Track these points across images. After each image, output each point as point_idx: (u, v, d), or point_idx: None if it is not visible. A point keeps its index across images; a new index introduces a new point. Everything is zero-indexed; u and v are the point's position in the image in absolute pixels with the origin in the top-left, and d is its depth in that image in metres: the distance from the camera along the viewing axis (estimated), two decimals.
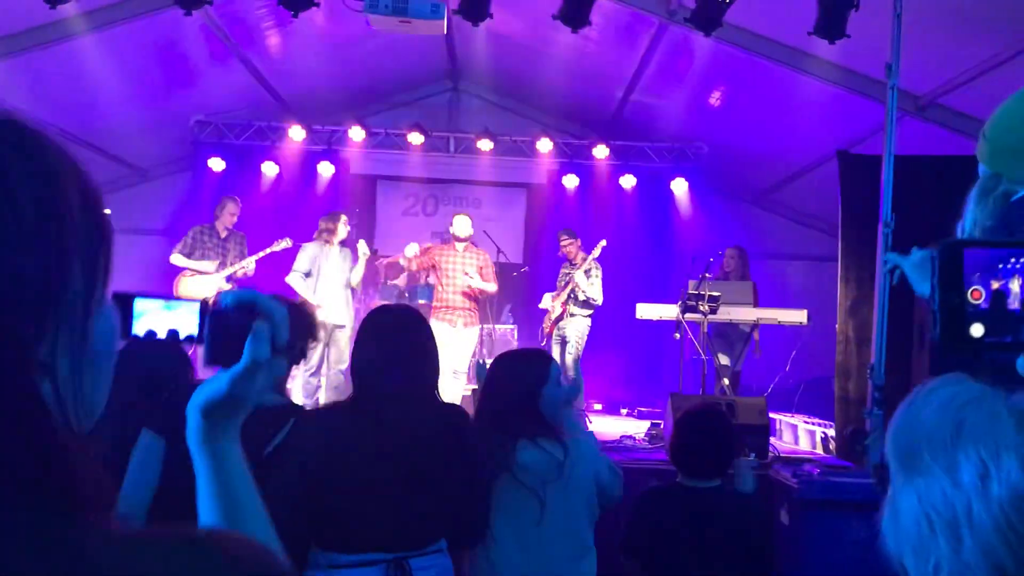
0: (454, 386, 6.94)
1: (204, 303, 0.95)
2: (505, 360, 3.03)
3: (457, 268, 7.41)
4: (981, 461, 0.70)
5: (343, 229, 7.47)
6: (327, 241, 7.40)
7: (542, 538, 2.74)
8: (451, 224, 7.62)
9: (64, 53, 6.87)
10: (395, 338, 2.51)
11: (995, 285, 0.64)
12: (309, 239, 7.52)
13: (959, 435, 0.72)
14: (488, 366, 3.07)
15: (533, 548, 2.73)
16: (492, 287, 7.53)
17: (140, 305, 0.93)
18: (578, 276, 7.65)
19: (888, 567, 0.84)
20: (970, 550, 0.69)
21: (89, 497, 0.57)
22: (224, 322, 0.90)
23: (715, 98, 8.63)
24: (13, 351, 0.55)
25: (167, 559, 0.56)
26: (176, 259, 7.53)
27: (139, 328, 0.93)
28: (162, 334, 0.94)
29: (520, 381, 2.84)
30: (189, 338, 0.94)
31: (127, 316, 0.91)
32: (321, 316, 6.95)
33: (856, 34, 5.63)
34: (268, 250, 7.71)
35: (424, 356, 2.55)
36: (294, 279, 7.22)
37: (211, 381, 0.92)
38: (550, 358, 3.05)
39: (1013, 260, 0.64)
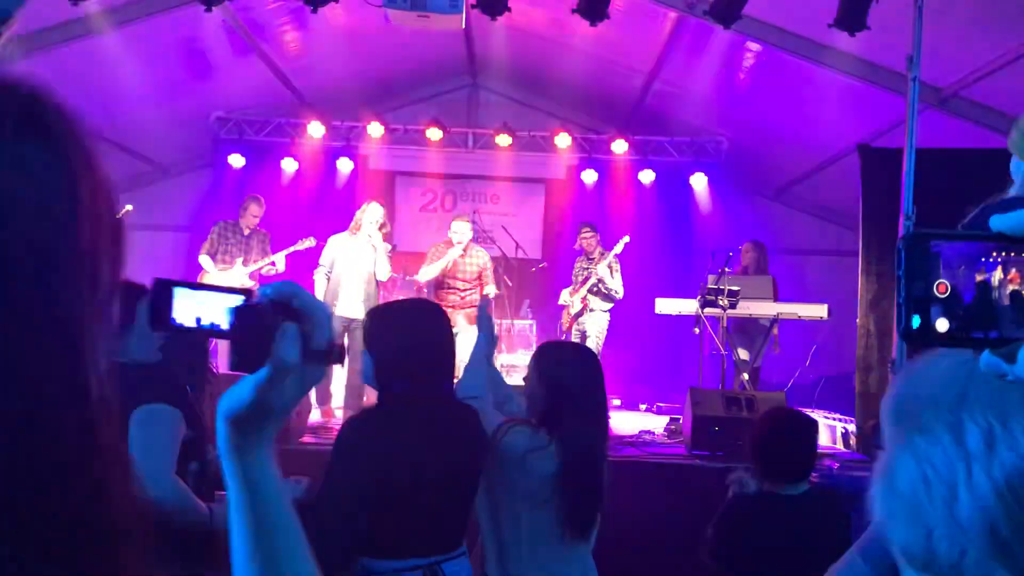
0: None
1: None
2: (568, 357, 2.86)
3: (458, 270, 7.43)
4: (988, 426, 0.70)
5: (364, 219, 7.10)
6: (352, 232, 7.14)
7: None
8: (450, 229, 7.47)
9: (87, 49, 6.92)
10: (413, 336, 2.38)
11: (979, 278, 0.63)
12: (328, 235, 7.36)
13: (965, 399, 0.71)
14: (535, 357, 2.86)
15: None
16: (492, 291, 7.54)
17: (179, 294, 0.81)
18: (602, 270, 7.67)
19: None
20: (966, 509, 0.69)
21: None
22: (255, 320, 0.78)
23: (735, 92, 8.58)
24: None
25: None
26: (203, 260, 7.56)
27: (178, 316, 0.80)
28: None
29: (581, 378, 2.75)
30: (215, 329, 0.80)
31: (168, 304, 0.80)
32: (337, 311, 6.80)
33: (877, 26, 5.57)
34: (291, 248, 7.72)
35: (445, 354, 2.46)
36: (318, 274, 7.07)
37: (237, 386, 0.81)
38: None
39: (994, 254, 0.64)
